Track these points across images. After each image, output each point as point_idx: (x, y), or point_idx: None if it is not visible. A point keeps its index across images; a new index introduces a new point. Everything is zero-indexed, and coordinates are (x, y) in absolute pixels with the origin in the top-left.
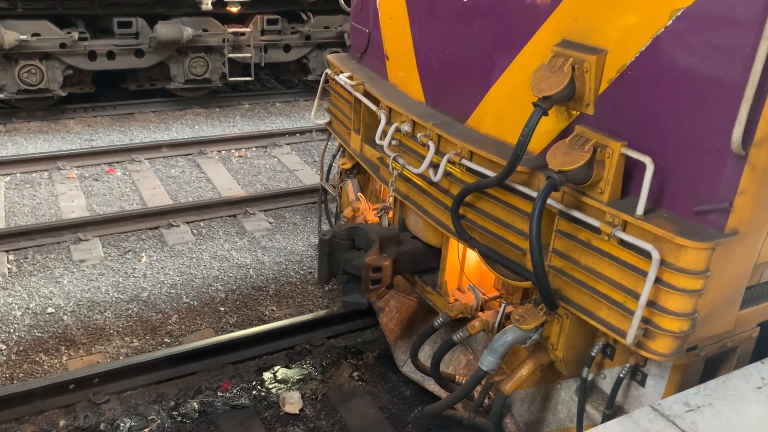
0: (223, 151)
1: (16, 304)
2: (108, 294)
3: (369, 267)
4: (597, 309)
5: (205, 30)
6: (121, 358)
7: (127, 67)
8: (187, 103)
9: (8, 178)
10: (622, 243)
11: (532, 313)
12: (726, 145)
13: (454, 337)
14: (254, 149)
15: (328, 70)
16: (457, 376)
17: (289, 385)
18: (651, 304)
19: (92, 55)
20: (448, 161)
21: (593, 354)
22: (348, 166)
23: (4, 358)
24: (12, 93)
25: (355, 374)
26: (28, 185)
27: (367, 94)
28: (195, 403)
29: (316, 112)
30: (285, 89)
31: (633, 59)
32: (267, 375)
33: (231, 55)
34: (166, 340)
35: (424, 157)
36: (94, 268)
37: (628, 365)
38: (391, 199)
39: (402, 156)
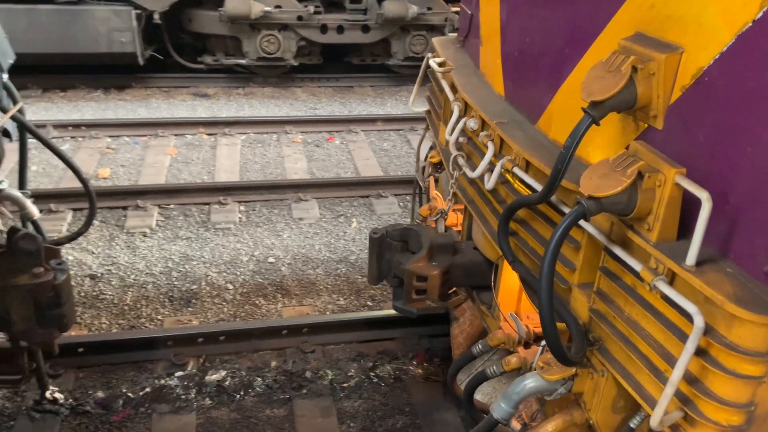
0: None
1: (243, 250)
2: (320, 252)
3: (413, 275)
4: (636, 372)
5: (429, 8)
6: (328, 313)
7: (353, 41)
8: (403, 80)
9: (244, 136)
10: (665, 297)
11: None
12: None
13: (487, 371)
14: None
15: (429, 54)
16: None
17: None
18: (694, 382)
19: (323, 29)
20: (502, 168)
21: (632, 426)
22: (436, 160)
23: (231, 296)
24: (252, 60)
25: None
26: (259, 145)
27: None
28: (390, 368)
29: (415, 99)
30: None
31: (711, 62)
32: None
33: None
34: (368, 303)
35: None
36: (310, 227)
37: None
38: (452, 203)
39: (468, 156)
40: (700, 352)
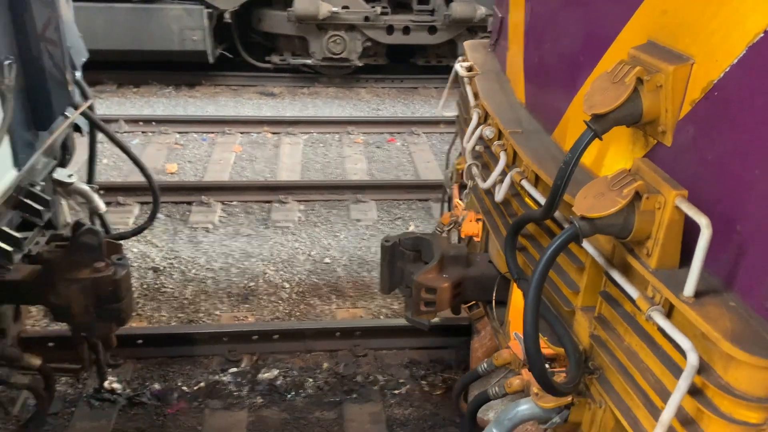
0: None
1: (300, 249)
2: (377, 255)
3: (421, 286)
4: (634, 406)
5: None
6: (381, 317)
7: (420, 42)
8: None
9: (306, 136)
10: (661, 329)
11: None
12: None
13: (489, 391)
14: None
15: (460, 58)
16: None
17: None
18: (689, 423)
19: (390, 29)
20: (512, 180)
21: None
22: (462, 167)
23: (287, 295)
24: (318, 60)
25: None
26: (321, 144)
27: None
28: (442, 377)
29: (445, 102)
30: None
31: (722, 75)
32: None
33: None
34: None
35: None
36: (367, 228)
37: None
38: (466, 213)
39: (484, 165)
40: (695, 392)
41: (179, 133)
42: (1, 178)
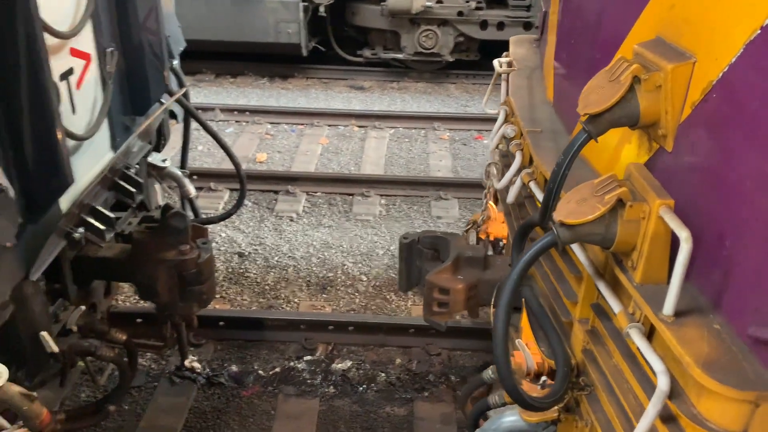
0: None
1: (380, 243)
2: None
3: (433, 286)
4: (617, 429)
5: None
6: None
7: None
8: None
9: (393, 130)
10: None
11: None
12: None
13: (489, 401)
14: None
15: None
16: None
17: None
18: None
19: (483, 25)
20: (522, 181)
21: None
22: None
23: (364, 288)
24: (409, 54)
25: None
26: (406, 140)
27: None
28: None
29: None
30: None
31: (720, 75)
32: None
33: None
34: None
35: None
36: (448, 226)
37: None
38: (494, 214)
39: (507, 166)
40: (668, 419)
41: (270, 123)
42: (98, 160)
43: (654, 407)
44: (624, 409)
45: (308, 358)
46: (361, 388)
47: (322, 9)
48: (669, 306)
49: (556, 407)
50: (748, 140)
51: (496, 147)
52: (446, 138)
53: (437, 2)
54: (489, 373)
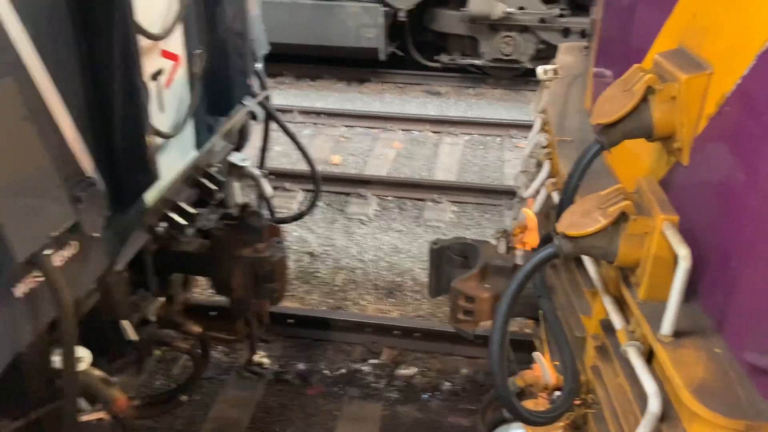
0: None
1: None
2: None
3: (459, 293)
4: None
5: None
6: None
7: None
8: None
9: (468, 137)
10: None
11: None
12: None
13: (505, 414)
14: None
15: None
16: None
17: None
18: None
19: (566, 32)
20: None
21: None
22: None
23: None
24: (487, 60)
25: None
26: (481, 147)
27: None
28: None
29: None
30: None
31: (734, 87)
32: None
33: None
34: None
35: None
36: None
37: None
38: (527, 223)
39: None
40: None
41: (346, 126)
42: (183, 158)
43: (643, 429)
44: (622, 429)
45: (373, 361)
46: (425, 396)
47: (401, 14)
48: (667, 326)
49: (561, 423)
50: (756, 157)
51: (530, 155)
52: (523, 146)
53: (518, 8)
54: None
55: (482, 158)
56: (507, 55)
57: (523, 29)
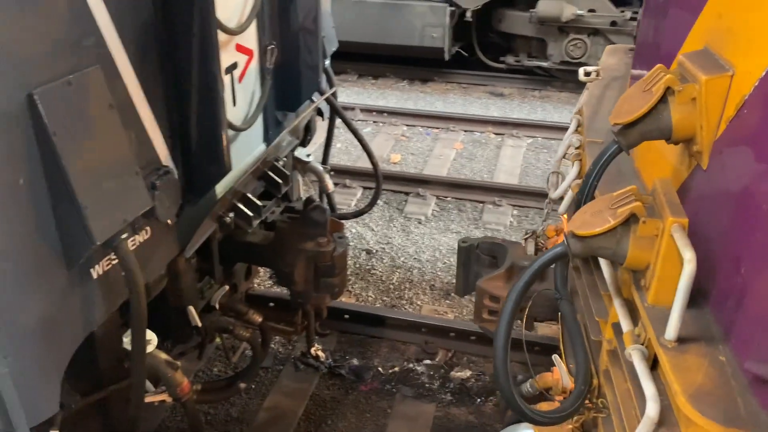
0: None
1: None
2: None
3: (485, 293)
4: None
5: None
6: None
7: None
8: None
9: (531, 140)
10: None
11: None
12: None
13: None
14: None
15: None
16: None
17: None
18: None
19: None
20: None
21: None
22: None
23: None
24: (555, 63)
25: None
26: (544, 150)
27: None
28: None
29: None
30: None
31: (752, 89)
32: None
33: None
34: None
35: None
36: None
37: None
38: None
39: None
40: None
41: (407, 125)
42: (252, 151)
43: None
44: None
45: (428, 362)
46: (479, 400)
47: (468, 14)
48: (671, 331)
49: (570, 426)
50: (762, 163)
51: (563, 156)
52: None
53: (589, 11)
54: (527, 386)
55: (546, 162)
56: (576, 59)
57: (594, 32)
